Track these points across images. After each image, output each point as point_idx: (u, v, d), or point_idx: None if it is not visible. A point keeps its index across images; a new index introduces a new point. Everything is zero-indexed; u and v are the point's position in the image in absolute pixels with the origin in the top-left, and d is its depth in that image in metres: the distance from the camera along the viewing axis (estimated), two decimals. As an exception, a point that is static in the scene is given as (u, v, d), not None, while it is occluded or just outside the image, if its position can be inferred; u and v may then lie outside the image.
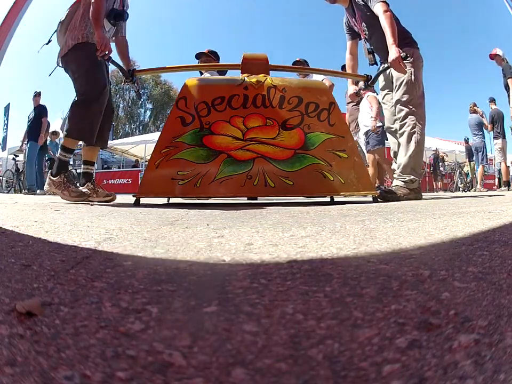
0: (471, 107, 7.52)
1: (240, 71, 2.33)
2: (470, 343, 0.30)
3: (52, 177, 2.47)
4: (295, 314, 0.36)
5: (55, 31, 2.59)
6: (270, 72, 2.36)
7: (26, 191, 6.45)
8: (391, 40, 2.50)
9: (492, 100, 7.09)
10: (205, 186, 2.12)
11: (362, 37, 2.92)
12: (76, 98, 2.44)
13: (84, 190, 2.46)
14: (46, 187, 2.52)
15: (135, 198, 2.26)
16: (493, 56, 5.60)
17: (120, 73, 2.61)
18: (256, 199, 2.79)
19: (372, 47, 2.89)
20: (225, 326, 0.34)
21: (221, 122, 2.18)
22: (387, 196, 2.59)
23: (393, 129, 2.96)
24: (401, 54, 2.45)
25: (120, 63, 2.60)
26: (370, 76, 2.77)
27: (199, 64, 2.51)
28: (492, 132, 6.94)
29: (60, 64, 2.56)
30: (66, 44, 2.48)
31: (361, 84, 2.90)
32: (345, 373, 0.26)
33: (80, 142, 2.63)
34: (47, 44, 2.60)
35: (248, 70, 2.30)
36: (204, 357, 0.28)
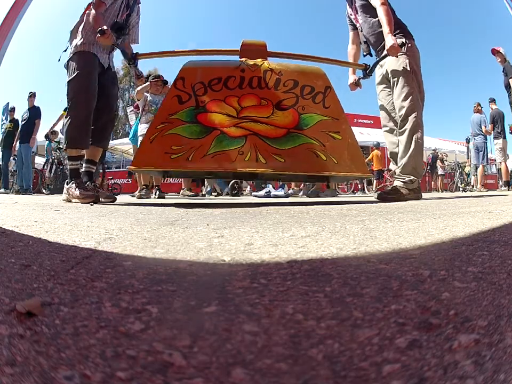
0: (475, 107, 7.52)
1: (238, 57, 2.37)
2: (470, 343, 0.30)
3: (66, 186, 2.62)
4: (295, 314, 0.36)
5: (69, 40, 2.74)
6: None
7: (23, 191, 6.65)
8: (387, 29, 2.49)
9: (492, 100, 7.08)
10: (196, 160, 2.15)
11: (357, 26, 2.92)
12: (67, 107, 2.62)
13: (94, 192, 2.53)
14: (63, 196, 2.65)
15: (128, 170, 2.30)
16: (495, 52, 5.49)
17: (124, 58, 2.70)
18: (257, 177, 2.68)
19: (365, 35, 2.88)
20: (225, 326, 0.34)
21: (216, 101, 2.22)
22: (387, 196, 2.58)
23: (388, 128, 2.90)
24: (398, 42, 2.45)
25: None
26: (369, 65, 2.75)
27: (199, 49, 2.60)
28: (492, 132, 6.93)
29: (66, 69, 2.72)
30: (69, 52, 2.64)
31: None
32: (345, 373, 0.26)
33: None
34: (65, 51, 2.72)
35: (247, 56, 2.34)
36: (204, 357, 0.28)
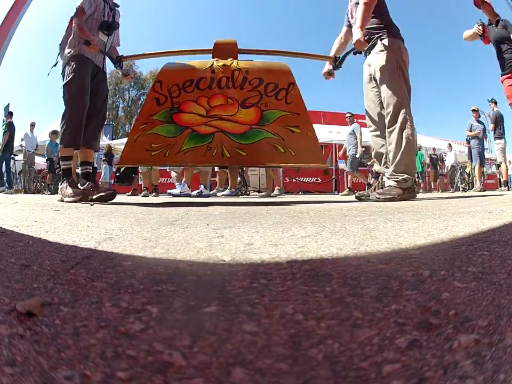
0: (472, 112, 7.60)
1: (211, 55, 2.63)
2: (470, 343, 0.30)
3: (60, 186, 2.73)
4: (295, 314, 0.36)
5: (58, 54, 2.86)
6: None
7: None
8: (358, 23, 2.58)
9: (494, 102, 7.07)
10: (172, 156, 2.50)
11: (351, 22, 2.92)
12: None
13: (83, 190, 2.59)
14: (58, 197, 2.74)
15: (117, 166, 2.66)
16: (479, 3, 3.46)
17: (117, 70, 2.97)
18: (227, 168, 3.15)
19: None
20: (225, 326, 0.34)
21: (189, 102, 2.54)
22: (380, 197, 2.53)
23: (374, 128, 2.83)
24: (365, 37, 2.55)
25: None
26: (339, 57, 2.84)
27: (177, 50, 2.84)
28: (494, 131, 6.94)
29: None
30: (63, 60, 2.76)
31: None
32: (345, 373, 0.26)
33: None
34: (54, 65, 2.87)
35: (219, 54, 2.62)
36: (204, 357, 0.28)
